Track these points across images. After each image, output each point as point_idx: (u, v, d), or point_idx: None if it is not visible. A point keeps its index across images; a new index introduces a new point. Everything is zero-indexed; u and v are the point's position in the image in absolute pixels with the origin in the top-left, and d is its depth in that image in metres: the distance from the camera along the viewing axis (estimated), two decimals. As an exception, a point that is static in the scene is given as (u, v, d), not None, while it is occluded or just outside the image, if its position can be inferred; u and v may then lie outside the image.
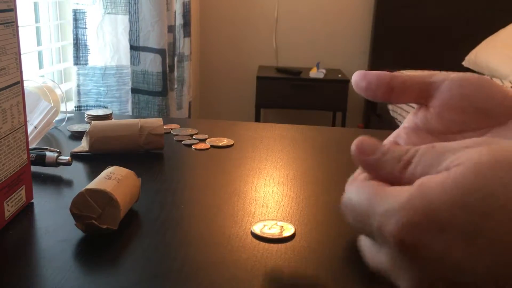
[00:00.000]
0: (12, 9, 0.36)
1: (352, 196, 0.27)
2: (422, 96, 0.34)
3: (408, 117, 0.36)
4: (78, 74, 1.36)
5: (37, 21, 1.39)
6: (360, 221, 0.26)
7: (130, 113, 1.43)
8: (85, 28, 1.34)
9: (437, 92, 0.33)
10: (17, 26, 0.37)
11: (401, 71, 2.56)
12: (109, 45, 1.38)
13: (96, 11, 1.34)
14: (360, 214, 0.26)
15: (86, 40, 1.35)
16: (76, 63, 1.35)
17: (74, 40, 1.33)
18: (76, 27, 1.33)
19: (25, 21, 1.33)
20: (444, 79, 0.33)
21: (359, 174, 0.30)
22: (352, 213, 0.27)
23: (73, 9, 1.32)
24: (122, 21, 1.38)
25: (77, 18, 1.32)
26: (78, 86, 1.36)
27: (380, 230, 0.24)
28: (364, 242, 0.28)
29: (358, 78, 0.35)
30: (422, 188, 0.23)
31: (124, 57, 1.41)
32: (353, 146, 0.28)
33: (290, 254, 0.35)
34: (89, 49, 1.36)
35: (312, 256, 0.34)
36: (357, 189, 0.27)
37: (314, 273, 0.32)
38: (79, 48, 1.34)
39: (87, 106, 1.37)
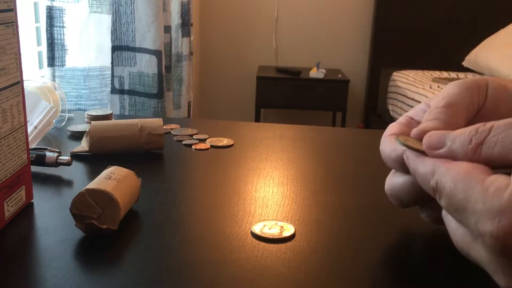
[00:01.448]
0: (12, 9, 0.36)
1: (446, 181, 0.26)
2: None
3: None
4: (54, 76, 1.28)
5: (37, 21, 1.39)
6: (455, 210, 0.25)
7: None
8: (63, 27, 1.26)
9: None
10: (17, 26, 0.37)
11: (403, 72, 2.57)
12: (93, 45, 1.33)
13: (80, 10, 1.28)
14: (456, 204, 0.25)
15: (64, 39, 1.27)
16: (52, 64, 1.27)
17: (48, 39, 1.25)
18: (51, 25, 1.24)
19: (25, 21, 1.33)
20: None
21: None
22: (445, 200, 0.26)
23: (47, 6, 1.23)
24: (106, 20, 1.34)
25: (53, 16, 1.24)
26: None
27: (479, 229, 0.24)
28: (455, 228, 0.27)
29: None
30: None
31: (108, 58, 1.36)
32: (424, 145, 0.28)
33: (290, 254, 0.35)
34: (67, 50, 1.28)
35: (312, 256, 0.34)
36: (452, 175, 0.26)
37: (314, 273, 0.32)
38: (54, 48, 1.26)
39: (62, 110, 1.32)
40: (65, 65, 1.30)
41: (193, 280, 0.31)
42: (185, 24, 1.76)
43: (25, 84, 0.54)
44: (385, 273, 0.33)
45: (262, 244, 0.36)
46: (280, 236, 0.37)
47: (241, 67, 2.88)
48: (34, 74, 1.33)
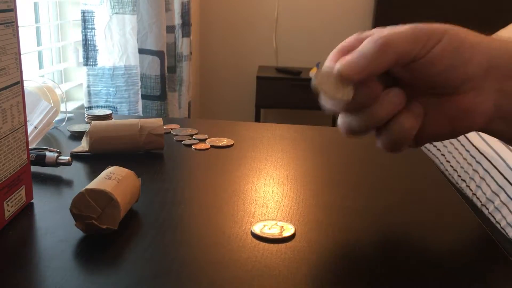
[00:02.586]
0: (12, 9, 0.36)
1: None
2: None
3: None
4: (88, 75, 1.35)
5: (37, 21, 1.39)
6: None
7: (141, 114, 1.43)
8: (94, 28, 1.34)
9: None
10: (17, 26, 0.37)
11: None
12: (117, 45, 1.37)
13: (104, 12, 1.34)
14: None
15: (95, 40, 1.35)
16: (86, 63, 1.34)
17: (83, 40, 1.33)
18: (85, 27, 1.32)
19: (25, 21, 1.33)
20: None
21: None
22: None
23: (81, 10, 1.32)
24: (129, 21, 1.38)
25: (86, 19, 1.32)
26: (89, 86, 1.36)
27: None
28: None
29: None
30: None
31: (132, 57, 1.40)
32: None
33: (290, 254, 0.35)
34: (98, 50, 1.36)
35: (312, 256, 0.34)
36: None
37: (314, 273, 0.32)
38: (89, 49, 1.34)
39: (97, 106, 1.37)
40: (97, 64, 1.37)
41: (193, 280, 0.31)
42: (185, 24, 1.76)
43: (25, 84, 0.54)
44: (385, 272, 0.33)
45: (262, 244, 0.36)
46: (280, 236, 0.37)
47: (241, 67, 2.88)
48: (34, 74, 1.33)
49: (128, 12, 1.38)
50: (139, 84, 1.41)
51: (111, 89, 1.38)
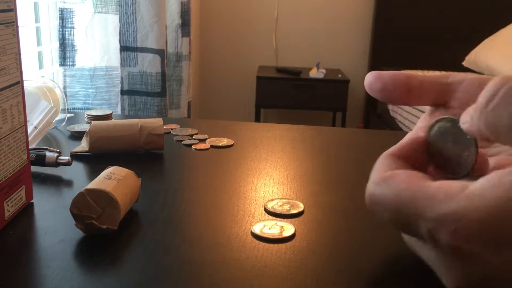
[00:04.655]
0: (12, 9, 0.36)
1: (388, 193, 0.26)
2: (439, 98, 0.33)
3: (424, 117, 0.35)
4: (65, 76, 1.32)
5: (37, 21, 1.39)
6: (401, 221, 0.25)
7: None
8: (73, 27, 1.31)
9: (455, 93, 0.33)
10: (17, 26, 0.37)
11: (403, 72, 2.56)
12: (99, 45, 1.35)
13: (85, 10, 1.32)
14: (402, 214, 0.25)
15: (74, 40, 1.32)
16: (63, 64, 1.32)
17: (60, 40, 1.30)
18: (62, 26, 1.30)
19: (25, 21, 1.33)
20: (463, 79, 0.32)
21: (388, 171, 0.28)
22: (389, 212, 0.26)
23: (59, 8, 1.29)
24: (112, 21, 1.36)
25: (64, 17, 1.29)
26: (65, 88, 1.33)
27: (432, 235, 0.24)
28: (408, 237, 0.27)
29: (372, 79, 0.33)
30: (472, 196, 0.22)
31: (114, 57, 1.38)
32: None
33: (290, 254, 0.35)
34: (76, 50, 1.33)
35: (312, 256, 0.34)
36: (396, 186, 0.26)
37: (314, 273, 0.32)
38: (66, 49, 1.31)
39: (73, 109, 1.34)
40: (75, 64, 1.34)
41: (193, 280, 0.31)
42: (185, 24, 1.76)
43: (25, 84, 0.54)
44: (385, 273, 0.33)
45: (262, 244, 0.36)
46: (280, 236, 0.37)
47: (241, 67, 2.88)
48: (34, 74, 1.33)
49: (111, 12, 1.36)
50: (120, 85, 1.40)
51: (90, 90, 1.36)
